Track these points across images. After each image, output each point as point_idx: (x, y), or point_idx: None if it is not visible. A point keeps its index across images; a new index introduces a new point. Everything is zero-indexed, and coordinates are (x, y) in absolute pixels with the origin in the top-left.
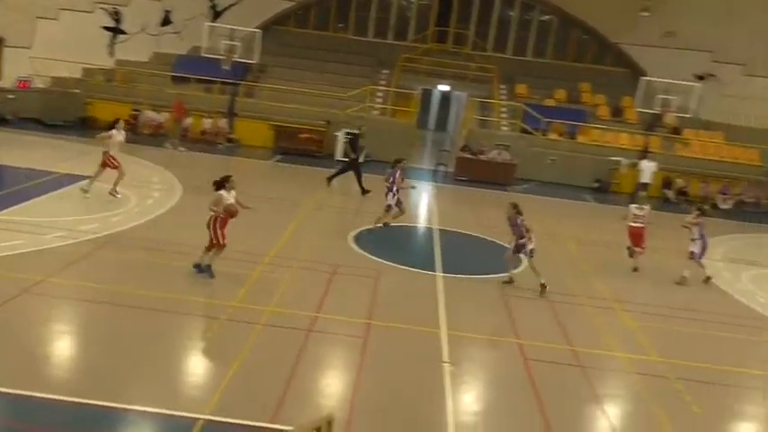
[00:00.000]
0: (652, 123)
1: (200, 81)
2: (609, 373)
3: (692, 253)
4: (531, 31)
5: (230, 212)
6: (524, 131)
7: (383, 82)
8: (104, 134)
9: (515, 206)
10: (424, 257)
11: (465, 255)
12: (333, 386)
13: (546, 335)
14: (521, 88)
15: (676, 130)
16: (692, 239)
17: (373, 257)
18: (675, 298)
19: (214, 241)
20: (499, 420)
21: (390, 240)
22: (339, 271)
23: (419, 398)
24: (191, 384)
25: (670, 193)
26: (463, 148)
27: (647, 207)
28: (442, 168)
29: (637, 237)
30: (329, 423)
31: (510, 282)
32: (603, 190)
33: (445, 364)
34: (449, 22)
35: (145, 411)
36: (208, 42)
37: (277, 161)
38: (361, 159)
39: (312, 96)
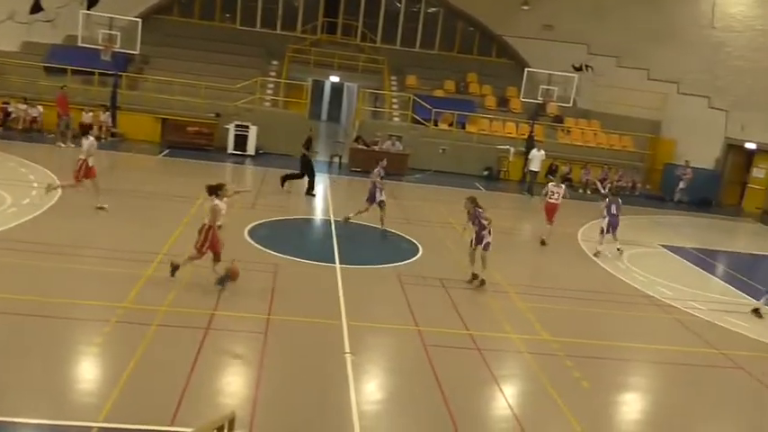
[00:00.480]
0: (536, 112)
1: (77, 72)
2: (505, 355)
3: (601, 229)
4: (418, 22)
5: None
6: (415, 122)
7: (273, 73)
8: None
9: (473, 200)
10: (321, 250)
11: (362, 245)
12: (234, 384)
13: (444, 321)
14: (411, 79)
15: (558, 119)
16: (603, 216)
17: (270, 251)
18: (563, 279)
19: (198, 247)
20: (402, 406)
21: (287, 234)
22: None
23: (322, 389)
24: (81, 392)
25: (555, 180)
26: (356, 139)
27: (563, 186)
28: (336, 160)
29: (551, 211)
30: (231, 421)
31: (475, 278)
32: (493, 177)
33: (347, 355)
34: (338, 14)
35: (29, 423)
36: (84, 31)
37: (165, 156)
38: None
39: (200, 88)
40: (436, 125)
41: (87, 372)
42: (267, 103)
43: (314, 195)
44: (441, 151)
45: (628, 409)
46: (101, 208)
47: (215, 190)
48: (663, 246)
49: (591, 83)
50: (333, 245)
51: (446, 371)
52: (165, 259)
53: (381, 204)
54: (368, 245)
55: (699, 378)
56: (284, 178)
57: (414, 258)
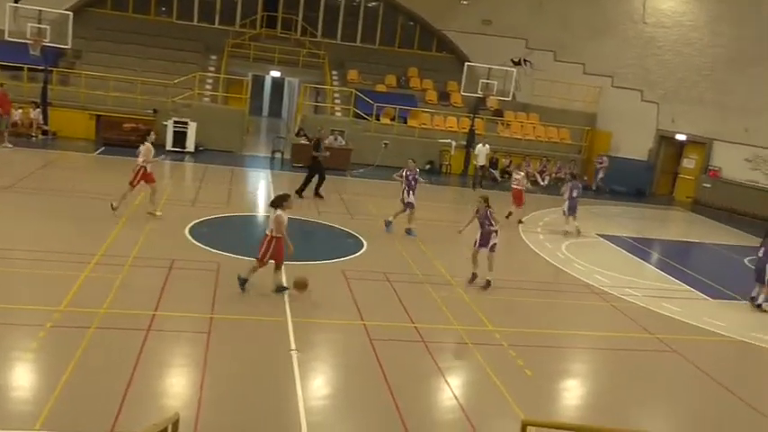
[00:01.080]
0: (476, 106)
1: (4, 68)
2: (450, 346)
3: (563, 211)
4: (359, 17)
5: (297, 286)
6: (357, 116)
7: (212, 68)
8: None
9: (486, 199)
10: None
11: (306, 241)
12: (177, 385)
13: (389, 314)
14: (352, 74)
15: (498, 113)
16: (564, 200)
17: (212, 250)
18: (506, 271)
19: (260, 258)
20: (349, 400)
21: (229, 231)
22: (176, 266)
23: (268, 387)
24: (16, 400)
25: (496, 173)
26: (298, 133)
27: (522, 173)
28: (278, 155)
29: (516, 197)
30: (175, 423)
31: (475, 278)
32: (436, 171)
33: (293, 352)
34: (277, 8)
35: None
36: (12, 25)
37: (100, 153)
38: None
39: (136, 84)
40: (378, 120)
41: (22, 378)
42: (206, 99)
43: (321, 197)
44: (383, 146)
45: (570, 395)
46: (152, 214)
47: (280, 202)
48: (600, 235)
49: (529, 77)
50: None
51: (392, 364)
52: (103, 260)
53: (410, 205)
54: (311, 241)
55: (636, 362)
56: (300, 191)
57: (358, 253)
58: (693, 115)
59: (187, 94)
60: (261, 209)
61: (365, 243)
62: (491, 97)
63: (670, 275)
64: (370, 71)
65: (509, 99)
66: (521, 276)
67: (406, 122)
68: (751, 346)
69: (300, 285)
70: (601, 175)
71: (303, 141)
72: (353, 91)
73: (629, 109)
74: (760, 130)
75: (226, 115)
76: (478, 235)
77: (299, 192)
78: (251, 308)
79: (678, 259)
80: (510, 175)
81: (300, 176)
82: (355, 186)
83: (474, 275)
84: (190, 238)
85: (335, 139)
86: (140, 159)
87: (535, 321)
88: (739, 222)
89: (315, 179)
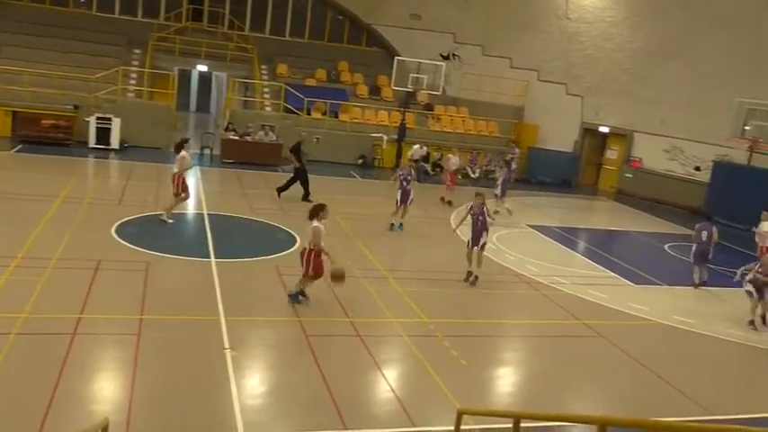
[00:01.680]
0: (407, 101)
1: None
2: (385, 339)
3: (495, 195)
4: (287, 10)
5: (334, 278)
6: (288, 111)
7: (136, 62)
8: None
9: (482, 195)
10: (195, 244)
11: (238, 238)
12: (107, 389)
13: (324, 310)
14: (281, 68)
15: (428, 107)
16: (496, 186)
17: (140, 249)
18: (439, 263)
19: (305, 272)
20: (285, 398)
21: (158, 230)
22: (103, 266)
23: (202, 388)
24: None
25: (427, 166)
26: (227, 129)
27: (456, 155)
28: (207, 152)
29: (450, 179)
30: (105, 428)
31: (470, 276)
32: (367, 165)
33: (227, 351)
34: (203, 0)
35: None
36: None
37: (18, 151)
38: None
39: (56, 79)
40: (309, 114)
41: None
42: (131, 94)
43: (310, 201)
44: (315, 140)
45: (504, 382)
46: (164, 221)
47: (317, 212)
48: (529, 226)
49: (458, 71)
50: (207, 239)
51: (328, 359)
52: (23, 262)
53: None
54: (244, 238)
55: (566, 348)
56: (279, 190)
57: (292, 249)
58: (615, 108)
59: (110, 89)
60: (191, 207)
61: (298, 238)
62: (421, 91)
63: (596, 263)
64: (300, 65)
65: (439, 93)
66: (455, 268)
67: (337, 117)
68: (672, 328)
69: (338, 277)
70: (514, 165)
71: (232, 137)
72: (283, 85)
73: (555, 102)
74: (676, 121)
75: (151, 111)
76: (470, 234)
77: (279, 190)
78: (182, 307)
79: (603, 247)
80: (441, 168)
81: (233, 172)
82: None
83: (469, 273)
84: (116, 237)
85: (266, 134)
86: (177, 168)
87: (469, 312)
88: (660, 211)
89: (303, 183)
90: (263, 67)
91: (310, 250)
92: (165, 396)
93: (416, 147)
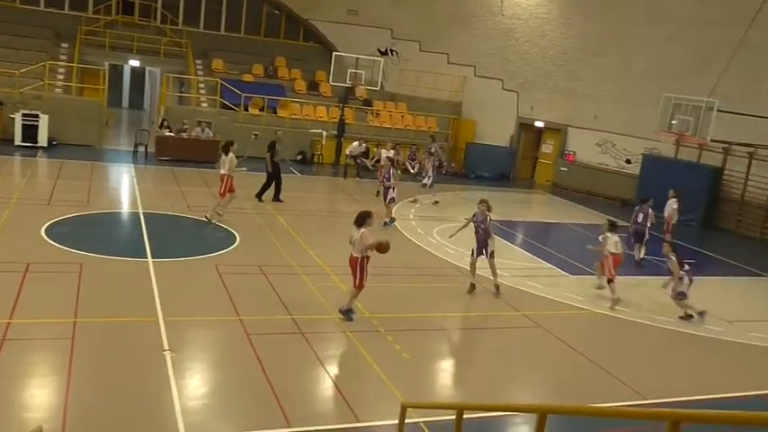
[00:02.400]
0: (345, 96)
1: None
2: (329, 336)
3: (424, 184)
4: (222, 4)
5: (380, 249)
6: (225, 107)
7: (64, 57)
8: None
9: (487, 202)
10: (131, 244)
11: (176, 237)
12: (39, 397)
13: (266, 308)
14: (217, 63)
15: (367, 102)
16: (428, 176)
17: (73, 250)
18: (380, 257)
19: (358, 282)
20: (228, 398)
21: (91, 230)
22: (33, 269)
23: (141, 391)
24: None
25: (367, 162)
26: (161, 125)
27: (392, 151)
28: (141, 149)
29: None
30: None
31: (473, 288)
32: (307, 161)
33: (166, 353)
34: None
35: None
36: None
37: None
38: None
39: None
40: (246, 110)
41: None
42: (59, 90)
43: (281, 201)
44: (253, 137)
45: (447, 374)
46: (210, 220)
47: (365, 218)
48: (468, 219)
49: (396, 67)
50: (143, 239)
51: (271, 358)
52: None
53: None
54: (181, 237)
55: (507, 339)
56: (258, 195)
57: (231, 247)
58: (550, 103)
59: (36, 84)
60: (125, 205)
61: (237, 236)
62: (359, 87)
63: (534, 255)
64: (236, 60)
65: (377, 89)
66: (395, 263)
67: (275, 113)
68: (607, 316)
69: (383, 249)
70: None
71: (167, 133)
72: (219, 81)
73: (492, 98)
74: (608, 116)
75: (81, 107)
76: (475, 243)
77: (258, 196)
78: (118, 309)
79: (541, 240)
80: (380, 162)
81: (168, 170)
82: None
83: (473, 286)
84: (46, 238)
85: (202, 131)
86: (225, 170)
87: (411, 306)
88: (594, 203)
89: (277, 184)
90: (197, 62)
91: (363, 258)
92: (102, 401)
93: (356, 143)
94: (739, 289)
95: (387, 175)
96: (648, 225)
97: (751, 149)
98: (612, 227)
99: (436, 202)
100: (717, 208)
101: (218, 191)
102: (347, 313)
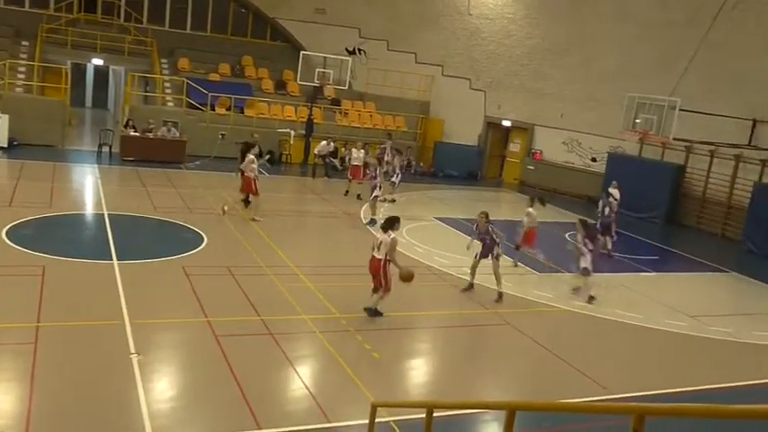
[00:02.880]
0: (313, 95)
1: None
2: (298, 336)
3: (393, 182)
4: (187, 2)
5: (404, 275)
6: (191, 107)
7: (24, 55)
8: None
9: (486, 215)
10: (96, 246)
11: (142, 239)
12: (1, 403)
13: (234, 309)
14: (183, 62)
15: (335, 102)
16: (396, 174)
17: (35, 252)
18: (349, 257)
19: (382, 285)
20: (196, 400)
21: (54, 232)
22: None
23: (107, 395)
24: None
25: (336, 161)
26: (126, 125)
27: (362, 151)
28: (106, 149)
29: (354, 173)
30: None
31: (470, 288)
32: (275, 161)
33: (133, 356)
34: None
35: None
36: None
37: None
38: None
39: None
40: (213, 110)
41: None
42: (19, 89)
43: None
44: (220, 137)
45: (417, 373)
46: (254, 220)
47: (393, 223)
48: (437, 218)
49: (364, 66)
50: (108, 240)
51: (240, 359)
52: None
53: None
54: (148, 238)
55: (476, 337)
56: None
57: (199, 248)
58: (516, 102)
59: None
60: (89, 207)
61: (205, 237)
62: (328, 86)
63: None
64: (203, 59)
65: (345, 88)
66: (364, 262)
67: (242, 112)
68: (573, 313)
69: (408, 278)
70: (387, 157)
71: (132, 133)
72: (185, 80)
73: (459, 97)
74: (574, 115)
75: (43, 107)
76: (480, 247)
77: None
78: (83, 313)
79: (508, 238)
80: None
81: (134, 171)
82: (192, 179)
83: (470, 285)
84: (7, 241)
85: (168, 131)
86: (247, 171)
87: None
88: (560, 201)
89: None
90: (163, 61)
91: (386, 261)
92: (67, 406)
93: (324, 143)
94: (701, 284)
95: (374, 174)
96: (613, 215)
97: (712, 147)
98: (537, 201)
99: (393, 201)
100: (679, 205)
101: (238, 192)
102: (372, 311)
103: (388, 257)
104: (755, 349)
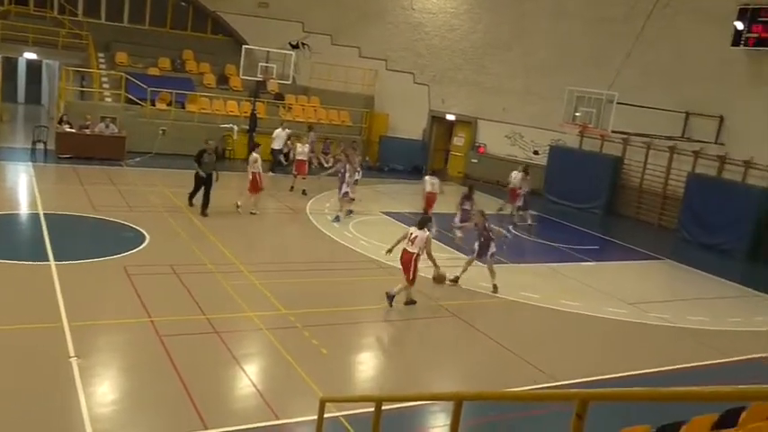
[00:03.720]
0: (257, 90)
1: None
2: (244, 334)
3: (356, 181)
4: None
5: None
6: (130, 102)
7: None
8: None
9: (483, 214)
10: (31, 247)
11: (80, 238)
12: None
13: (178, 308)
14: (121, 56)
15: (279, 96)
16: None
17: None
18: (295, 253)
19: (410, 278)
20: (140, 402)
21: None
22: None
23: (46, 400)
24: None
25: (280, 157)
26: (61, 121)
27: (307, 146)
28: (40, 146)
29: (299, 168)
30: None
31: (456, 281)
32: (219, 157)
33: (73, 359)
34: None
35: None
36: None
37: None
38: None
39: None
40: (153, 105)
41: None
42: None
43: (192, 205)
44: (161, 132)
45: (365, 367)
46: (253, 213)
47: (426, 222)
48: (383, 213)
49: (308, 60)
50: (44, 241)
51: (185, 359)
52: None
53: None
54: (86, 238)
55: (422, 329)
56: (203, 207)
57: (140, 247)
58: (460, 96)
59: None
60: (23, 206)
61: (147, 236)
62: (271, 81)
63: (448, 246)
64: (142, 54)
65: (289, 82)
66: (311, 258)
67: (184, 107)
68: (518, 303)
69: (440, 280)
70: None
71: (68, 129)
72: (123, 75)
73: (404, 91)
74: (515, 108)
75: None
76: (476, 245)
77: (190, 199)
78: (19, 316)
79: (452, 230)
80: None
81: (71, 168)
82: (133, 176)
83: (456, 278)
84: None
85: (106, 127)
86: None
87: (327, 301)
88: (504, 193)
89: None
90: (100, 55)
91: (418, 256)
92: (4, 413)
93: (278, 129)
94: (639, 272)
95: (342, 170)
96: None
97: (648, 140)
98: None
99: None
100: (618, 196)
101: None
102: (391, 298)
103: (420, 253)
104: (691, 333)
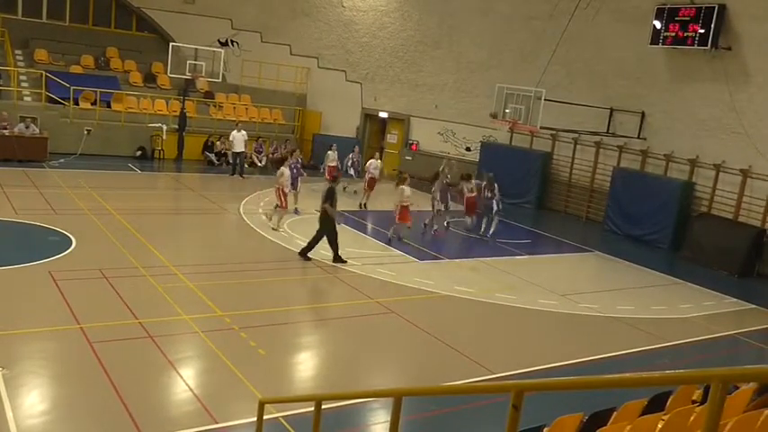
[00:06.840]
0: (185, 88)
1: None
2: (180, 338)
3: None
4: None
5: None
6: (51, 101)
7: None
8: None
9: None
10: None
11: (1, 244)
12: None
13: (109, 314)
14: (40, 54)
15: (209, 95)
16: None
17: None
18: (230, 254)
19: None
20: (71, 412)
21: None
22: None
23: None
24: None
25: (212, 156)
26: None
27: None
28: None
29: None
30: None
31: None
32: (147, 157)
33: None
34: None
35: None
36: None
37: None
38: None
39: None
40: (77, 104)
41: None
42: None
43: None
44: (85, 132)
45: (304, 367)
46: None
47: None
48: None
49: (238, 58)
50: None
51: (117, 366)
52: None
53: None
54: (8, 243)
55: (362, 327)
56: None
57: (67, 251)
58: (392, 94)
59: None
60: None
61: (74, 240)
62: (200, 79)
63: (383, 243)
64: (63, 51)
65: (219, 81)
66: (246, 258)
67: (109, 106)
68: (454, 298)
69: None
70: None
71: None
72: (44, 73)
73: (336, 89)
74: (447, 106)
75: None
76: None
77: None
78: None
79: (387, 227)
80: (225, 156)
81: None
82: (57, 178)
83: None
84: None
85: (26, 127)
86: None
87: (264, 301)
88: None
89: None
90: (17, 52)
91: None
92: None
93: (234, 132)
94: (569, 264)
95: (297, 166)
96: (489, 196)
97: (575, 135)
98: (402, 180)
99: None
100: (548, 190)
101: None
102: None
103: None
104: (620, 322)
